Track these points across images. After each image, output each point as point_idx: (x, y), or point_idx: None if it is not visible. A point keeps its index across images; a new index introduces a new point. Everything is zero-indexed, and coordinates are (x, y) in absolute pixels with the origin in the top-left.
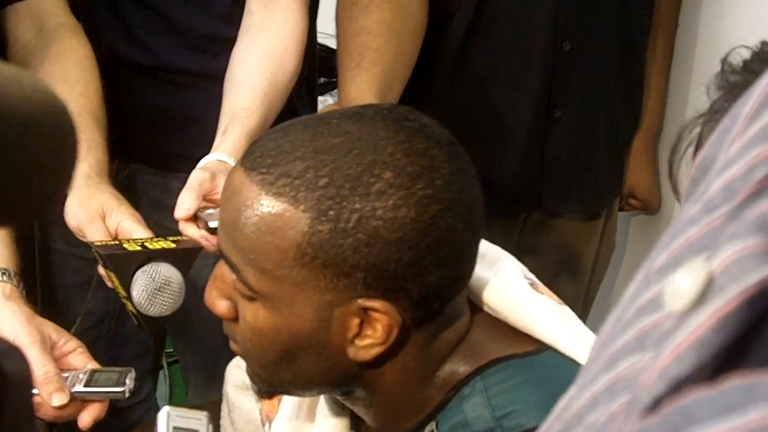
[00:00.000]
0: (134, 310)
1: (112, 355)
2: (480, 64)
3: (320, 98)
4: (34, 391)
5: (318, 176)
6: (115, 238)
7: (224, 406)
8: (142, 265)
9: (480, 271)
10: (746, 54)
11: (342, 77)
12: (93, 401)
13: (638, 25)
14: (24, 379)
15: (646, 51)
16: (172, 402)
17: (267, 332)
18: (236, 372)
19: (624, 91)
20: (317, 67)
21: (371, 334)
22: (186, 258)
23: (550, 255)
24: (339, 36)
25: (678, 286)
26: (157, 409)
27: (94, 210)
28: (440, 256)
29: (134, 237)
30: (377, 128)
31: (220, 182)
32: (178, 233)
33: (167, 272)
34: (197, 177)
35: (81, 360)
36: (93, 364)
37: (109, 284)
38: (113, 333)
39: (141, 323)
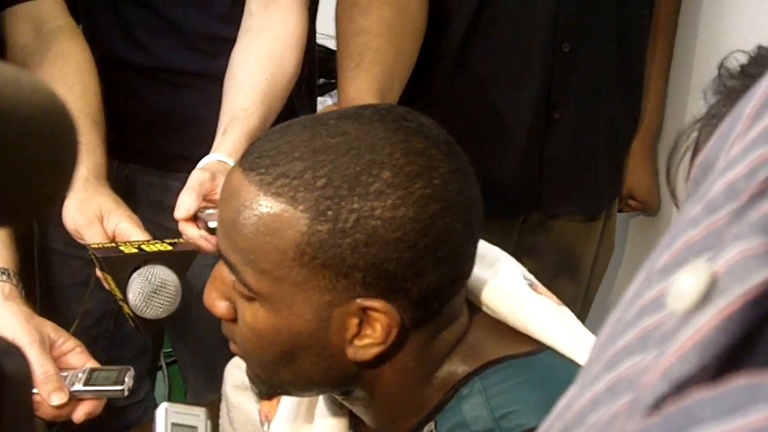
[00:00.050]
0: (131, 313)
1: (110, 355)
2: (480, 64)
3: (319, 99)
4: (34, 390)
5: (316, 176)
6: (112, 241)
7: (223, 406)
8: (138, 268)
9: (479, 271)
10: (743, 58)
11: (342, 77)
12: (92, 400)
13: (638, 26)
14: (24, 379)
15: (646, 52)
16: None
17: (266, 333)
18: (235, 372)
19: (623, 92)
20: (317, 67)
21: (370, 334)
22: (183, 260)
23: (549, 256)
24: (339, 36)
25: (681, 286)
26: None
27: (91, 212)
28: (439, 256)
29: (131, 239)
30: (375, 128)
31: (220, 182)
32: (178, 234)
33: (163, 275)
34: (197, 177)
35: (80, 359)
36: (92, 363)
37: (106, 286)
38: (112, 333)
39: (137, 325)
